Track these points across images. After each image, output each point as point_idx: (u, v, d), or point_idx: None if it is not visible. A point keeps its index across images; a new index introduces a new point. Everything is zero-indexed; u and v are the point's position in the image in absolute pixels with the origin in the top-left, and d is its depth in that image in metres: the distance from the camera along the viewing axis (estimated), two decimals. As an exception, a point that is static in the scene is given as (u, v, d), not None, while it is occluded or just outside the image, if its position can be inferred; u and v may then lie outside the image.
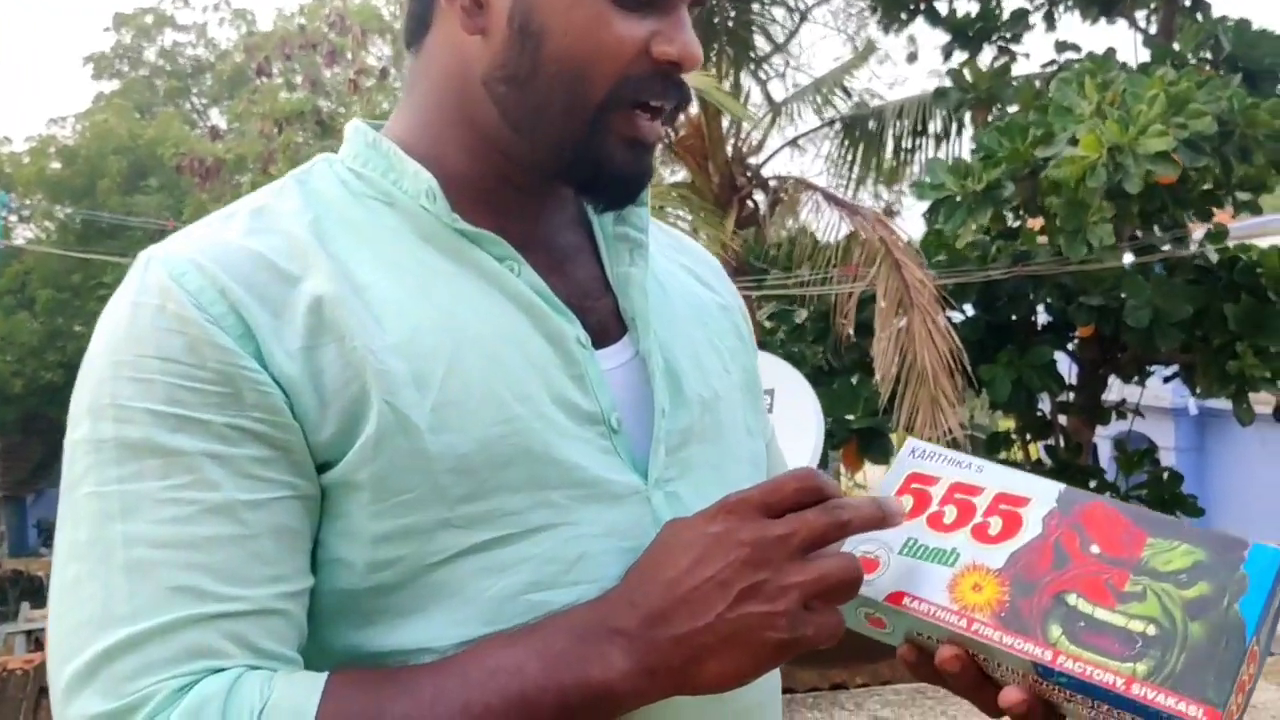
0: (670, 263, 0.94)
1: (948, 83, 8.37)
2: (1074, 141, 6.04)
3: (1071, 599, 0.68)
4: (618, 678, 0.68)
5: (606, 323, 0.84)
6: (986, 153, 6.58)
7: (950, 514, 0.73)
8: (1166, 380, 8.21)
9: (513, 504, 0.74)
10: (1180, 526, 0.70)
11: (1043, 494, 0.73)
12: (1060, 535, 0.71)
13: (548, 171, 0.81)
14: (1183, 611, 0.66)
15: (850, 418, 6.86)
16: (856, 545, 0.73)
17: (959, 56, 8.47)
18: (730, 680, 0.68)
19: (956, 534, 0.72)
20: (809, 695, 4.48)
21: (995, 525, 0.72)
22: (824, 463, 7.00)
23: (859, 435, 6.88)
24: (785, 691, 4.73)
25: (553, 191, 0.85)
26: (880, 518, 0.70)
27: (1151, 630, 0.65)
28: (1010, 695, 0.68)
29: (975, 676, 0.70)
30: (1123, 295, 7.16)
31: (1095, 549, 0.70)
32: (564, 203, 0.87)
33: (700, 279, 0.96)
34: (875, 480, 13.06)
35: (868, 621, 0.73)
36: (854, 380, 7.12)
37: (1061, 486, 0.73)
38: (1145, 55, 7.76)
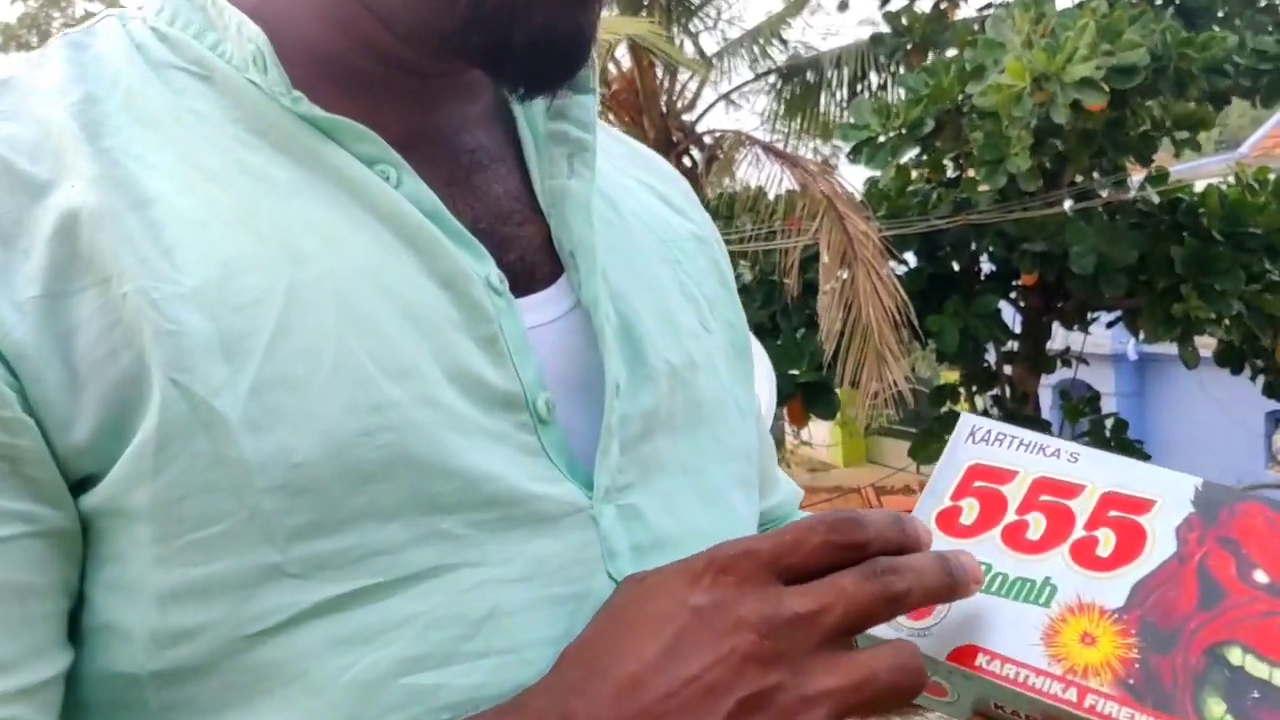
0: (625, 178, 0.68)
1: (885, 29, 8.23)
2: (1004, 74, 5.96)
3: (1235, 655, 0.46)
4: None
5: (533, 260, 0.58)
6: (912, 92, 6.48)
7: (1037, 526, 0.50)
8: (1109, 326, 8.18)
9: (383, 538, 0.49)
10: None
11: (1172, 492, 0.50)
12: (1206, 556, 0.48)
13: (435, 34, 0.54)
14: None
15: (795, 373, 6.71)
16: None
17: (898, 2, 8.31)
18: None
19: (1049, 556, 0.49)
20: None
21: (1106, 542, 0.49)
22: (773, 421, 6.86)
23: (804, 390, 6.74)
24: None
25: (452, 73, 0.59)
26: (949, 586, 0.47)
27: None
28: None
29: None
30: (1066, 242, 7.09)
31: (1262, 576, 0.47)
32: (472, 90, 0.61)
33: (667, 200, 0.70)
34: (820, 437, 12.81)
35: None
36: (799, 334, 6.97)
37: (1198, 481, 0.50)
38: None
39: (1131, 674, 0.45)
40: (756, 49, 9.73)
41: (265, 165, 0.52)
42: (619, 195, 0.65)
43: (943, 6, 8.35)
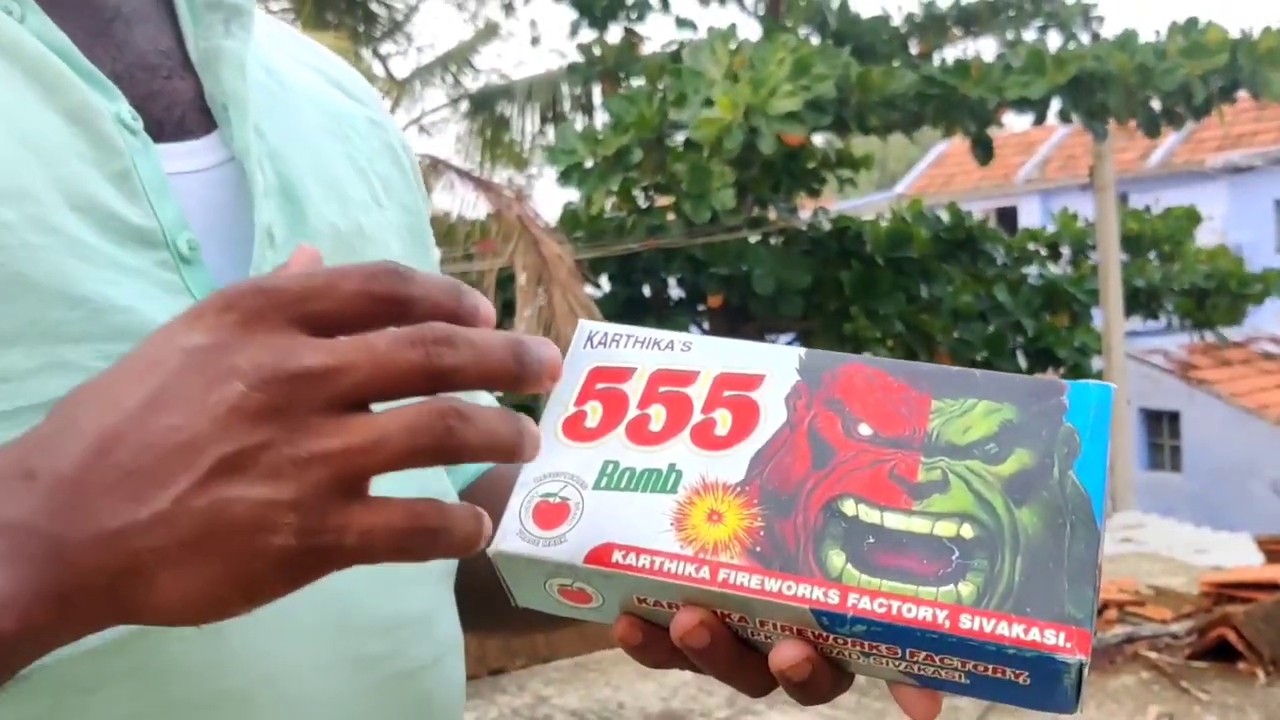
0: (294, 62, 0.66)
1: (577, 60, 8.47)
2: (709, 103, 6.22)
3: (849, 507, 0.48)
4: None
5: (183, 113, 0.56)
6: (616, 119, 6.69)
7: (659, 417, 0.52)
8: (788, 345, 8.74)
9: (4, 365, 0.46)
10: (970, 377, 0.51)
11: (779, 365, 0.53)
12: (814, 419, 0.51)
13: None
14: (1004, 497, 0.48)
15: (499, 396, 6.73)
16: (529, 484, 0.50)
17: (586, 34, 8.58)
18: (200, 609, 0.39)
19: (672, 444, 0.51)
20: (467, 684, 4.25)
21: (723, 421, 0.51)
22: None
23: (506, 415, 6.78)
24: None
25: None
26: (513, 374, 0.41)
27: (968, 531, 0.47)
28: (785, 653, 0.46)
29: (732, 649, 0.48)
30: (748, 266, 7.52)
31: (866, 429, 0.50)
32: None
33: (339, 85, 0.68)
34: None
35: (562, 596, 0.50)
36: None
37: (802, 351, 0.53)
38: (757, 34, 8.15)
39: (758, 542, 0.47)
40: (449, 75, 9.76)
41: None
42: (285, 71, 0.63)
43: (632, 41, 8.70)
